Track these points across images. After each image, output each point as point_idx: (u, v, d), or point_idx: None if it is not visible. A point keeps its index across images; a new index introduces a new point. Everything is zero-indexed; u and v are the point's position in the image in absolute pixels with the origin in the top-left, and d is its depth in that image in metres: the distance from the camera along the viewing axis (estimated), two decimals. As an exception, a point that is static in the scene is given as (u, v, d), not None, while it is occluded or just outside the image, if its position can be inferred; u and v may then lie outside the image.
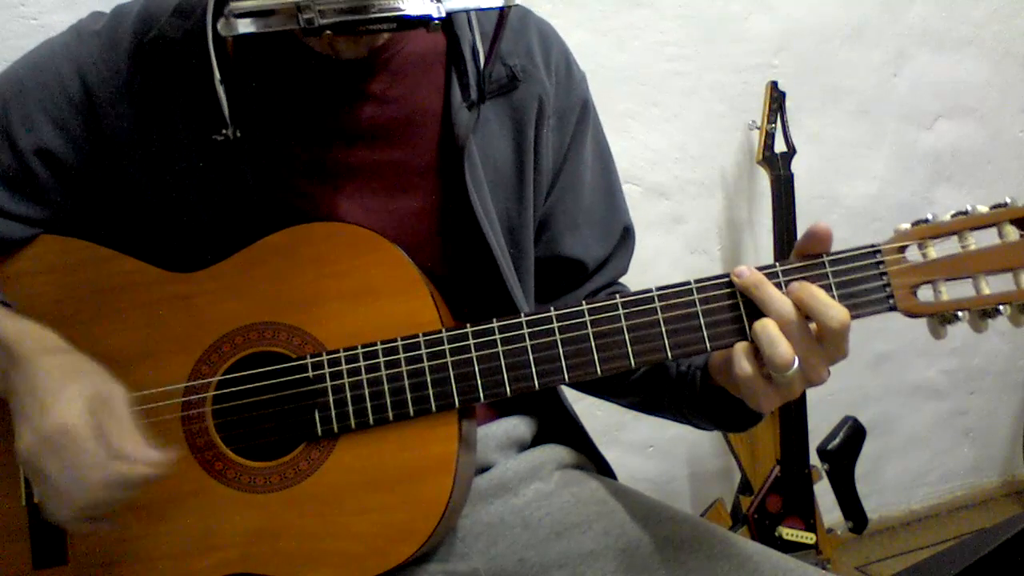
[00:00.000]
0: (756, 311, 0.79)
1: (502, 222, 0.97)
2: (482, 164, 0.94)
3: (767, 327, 0.77)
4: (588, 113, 1.04)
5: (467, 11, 0.92)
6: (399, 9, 0.74)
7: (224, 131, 0.87)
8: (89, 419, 0.76)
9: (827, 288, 0.79)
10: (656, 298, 0.82)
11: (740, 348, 0.80)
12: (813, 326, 0.78)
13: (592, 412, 1.12)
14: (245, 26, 0.74)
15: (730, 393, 0.87)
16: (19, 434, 0.77)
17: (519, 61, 0.96)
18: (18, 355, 0.80)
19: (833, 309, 0.76)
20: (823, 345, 0.78)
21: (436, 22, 0.75)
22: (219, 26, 0.75)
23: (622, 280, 1.10)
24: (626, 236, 1.08)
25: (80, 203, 0.94)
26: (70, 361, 0.82)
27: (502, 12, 0.85)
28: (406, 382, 0.84)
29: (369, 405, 0.84)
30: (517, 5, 0.81)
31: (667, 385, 0.95)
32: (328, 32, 0.74)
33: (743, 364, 0.79)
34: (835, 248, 0.81)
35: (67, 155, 0.91)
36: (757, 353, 0.79)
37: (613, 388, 1.04)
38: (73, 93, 0.91)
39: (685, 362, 0.93)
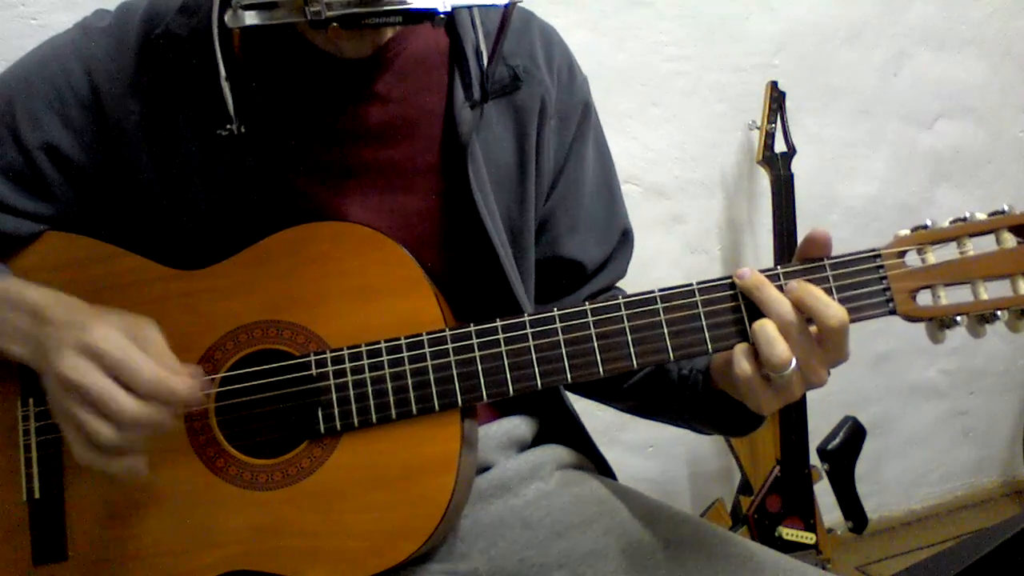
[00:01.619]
0: (758, 313, 0.79)
1: (504, 222, 0.97)
2: (485, 164, 0.94)
3: (765, 327, 0.78)
4: (589, 115, 1.04)
5: (471, 7, 0.92)
6: (405, 2, 0.74)
7: (228, 126, 0.87)
8: (130, 333, 0.78)
9: (827, 291, 0.79)
10: (658, 299, 0.82)
11: (739, 349, 0.80)
12: (813, 328, 0.78)
13: (592, 412, 1.12)
14: (251, 18, 0.74)
15: (731, 397, 0.88)
16: (58, 356, 0.77)
17: (522, 62, 0.96)
18: (50, 318, 0.81)
19: (832, 308, 0.77)
20: (823, 346, 0.79)
21: (441, 16, 0.75)
22: (226, 18, 0.75)
23: (620, 284, 1.10)
24: (625, 239, 1.08)
25: (86, 200, 0.94)
26: (102, 308, 0.82)
27: (505, 10, 0.85)
28: (409, 380, 0.84)
29: (372, 403, 0.85)
30: (520, 4, 0.82)
31: (668, 389, 0.95)
32: (334, 25, 0.74)
33: (742, 364, 0.79)
34: (835, 248, 0.82)
35: (73, 151, 0.92)
36: (756, 354, 0.79)
37: (613, 392, 1.04)
38: (79, 89, 0.91)
39: (686, 366, 0.93)
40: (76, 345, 0.77)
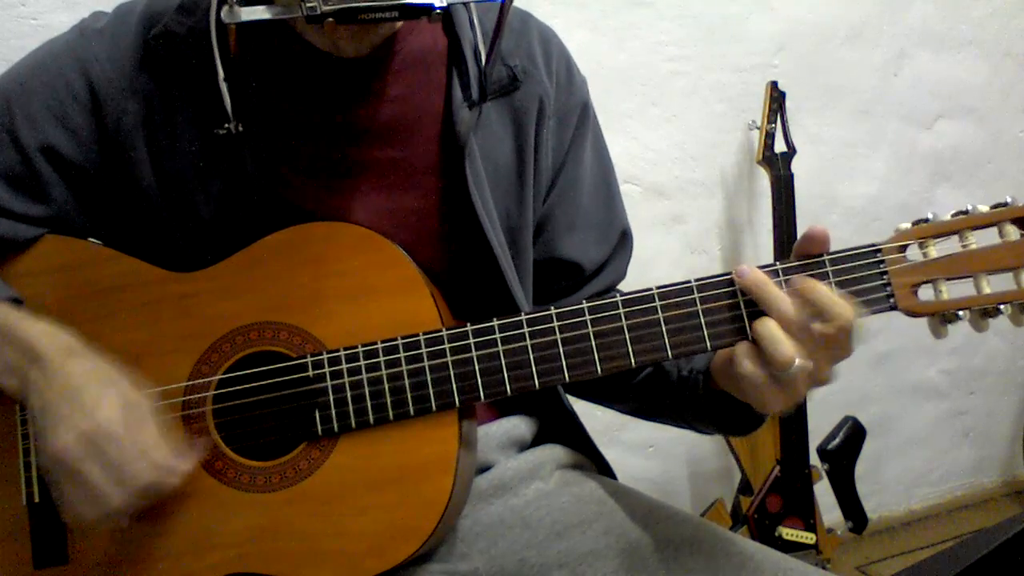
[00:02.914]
0: (757, 310, 0.79)
1: (502, 222, 0.97)
2: (483, 163, 0.94)
3: (768, 325, 0.77)
4: (588, 116, 1.04)
5: (467, 3, 0.92)
6: None
7: (226, 125, 0.87)
8: (128, 426, 0.80)
9: (828, 287, 0.79)
10: (656, 297, 0.82)
11: (741, 348, 0.80)
12: (816, 326, 0.77)
13: (592, 412, 1.12)
14: (248, 14, 0.74)
15: (732, 397, 0.87)
16: (56, 434, 0.78)
17: (520, 62, 0.96)
18: (42, 355, 0.81)
19: (839, 306, 0.76)
20: (828, 344, 0.78)
21: (438, 11, 0.75)
22: (222, 13, 0.75)
23: (620, 287, 1.10)
24: (624, 239, 1.08)
25: (84, 201, 0.94)
26: (98, 366, 0.83)
27: (502, 7, 0.85)
28: (406, 381, 0.84)
29: (369, 404, 0.84)
30: (516, 2, 0.81)
31: (668, 390, 0.95)
32: (330, 20, 0.74)
33: (745, 364, 0.79)
34: (834, 248, 0.81)
35: (71, 152, 0.91)
36: (759, 353, 0.79)
37: (612, 393, 1.04)
38: (77, 90, 0.91)
39: (686, 366, 0.93)
40: (76, 431, 0.78)
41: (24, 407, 0.84)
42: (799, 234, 0.86)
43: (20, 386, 0.82)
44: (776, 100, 2.04)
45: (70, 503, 0.80)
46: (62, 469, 0.78)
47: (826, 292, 0.77)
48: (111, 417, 0.79)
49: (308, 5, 0.73)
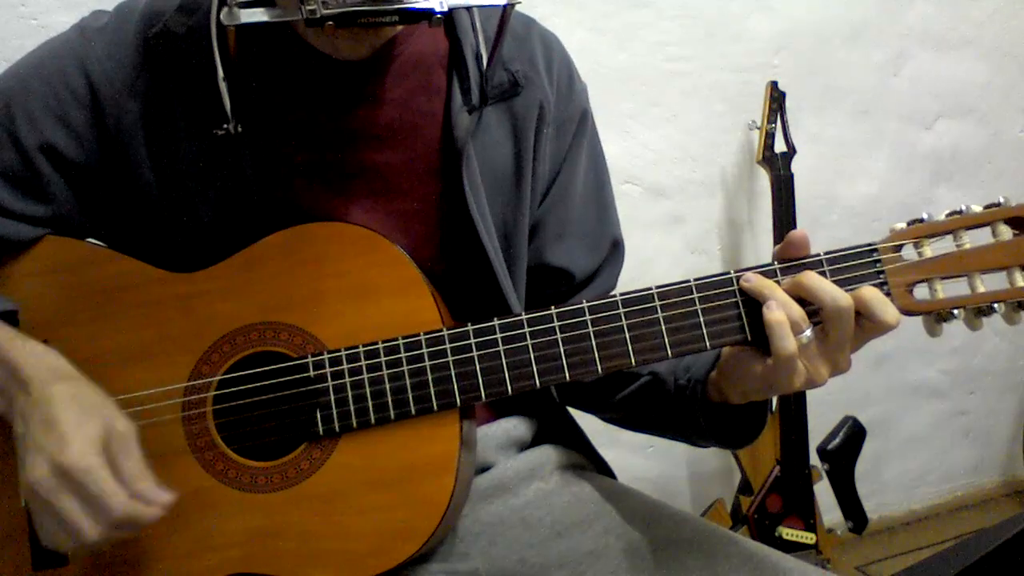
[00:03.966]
0: (756, 309, 0.80)
1: (498, 227, 0.97)
2: (481, 168, 0.94)
3: (777, 316, 0.78)
4: (586, 124, 1.04)
5: (469, 7, 0.92)
6: (401, 2, 0.74)
7: (225, 126, 0.87)
8: (105, 458, 0.77)
9: None
10: (656, 296, 0.82)
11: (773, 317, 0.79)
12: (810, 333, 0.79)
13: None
14: (247, 16, 0.74)
15: (730, 407, 0.89)
16: (31, 464, 0.77)
17: (521, 67, 0.96)
18: (27, 378, 0.80)
19: (843, 300, 0.77)
20: (827, 339, 0.79)
21: (438, 16, 0.75)
22: (222, 15, 0.75)
23: (619, 287, 1.10)
24: (615, 249, 1.07)
25: (85, 200, 0.94)
26: (83, 392, 0.81)
27: (504, 10, 0.85)
28: (407, 381, 0.84)
29: (370, 404, 0.84)
30: (519, 5, 0.81)
31: (665, 399, 0.95)
32: (330, 24, 0.74)
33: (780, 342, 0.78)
34: (833, 248, 0.82)
35: (71, 151, 0.91)
36: (760, 352, 0.80)
37: (608, 401, 1.04)
38: (77, 89, 0.91)
39: (684, 376, 0.93)
40: (51, 463, 0.76)
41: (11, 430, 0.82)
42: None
43: (6, 408, 0.82)
44: (776, 100, 2.04)
45: (45, 532, 0.79)
46: (36, 500, 0.77)
47: (825, 282, 0.78)
48: (85, 450, 0.76)
49: (308, 8, 0.73)
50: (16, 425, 0.80)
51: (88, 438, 0.77)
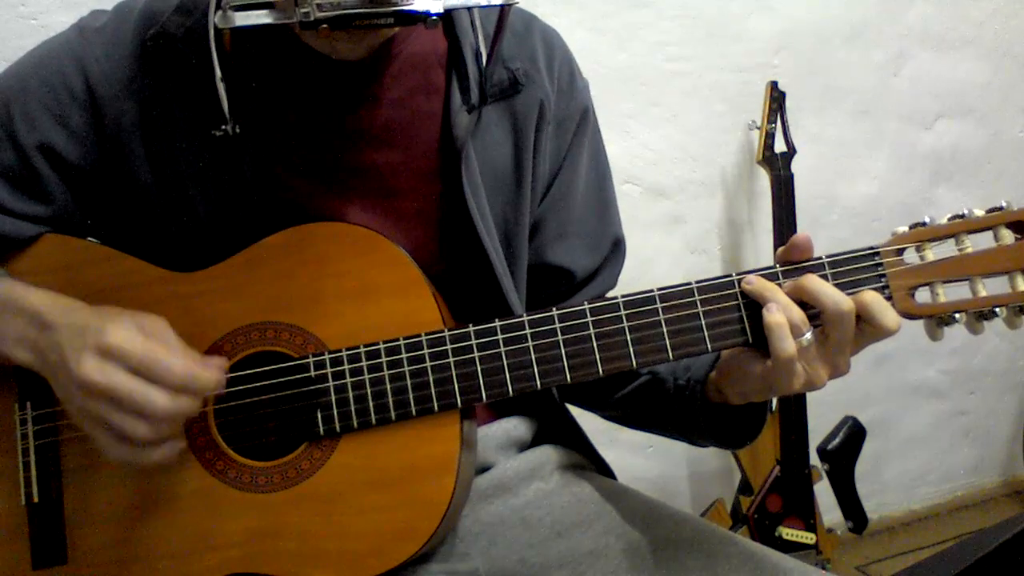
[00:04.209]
0: (757, 312, 0.80)
1: (498, 226, 0.97)
2: (480, 167, 0.94)
3: (777, 318, 0.78)
4: (588, 122, 1.03)
5: (466, 8, 0.92)
6: (397, 3, 0.74)
7: (223, 127, 0.87)
8: (147, 334, 0.78)
9: None
10: (657, 298, 0.82)
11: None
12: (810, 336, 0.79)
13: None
14: (242, 18, 0.74)
15: (730, 408, 0.89)
16: (76, 362, 0.77)
17: (522, 65, 0.96)
18: (50, 322, 0.81)
19: (845, 304, 0.78)
20: (827, 341, 0.79)
21: (435, 18, 0.74)
22: (216, 18, 0.75)
23: (619, 288, 1.10)
24: (617, 248, 1.07)
25: (83, 200, 0.94)
26: (103, 308, 0.82)
27: (502, 10, 0.85)
28: (408, 381, 0.84)
29: (371, 404, 0.84)
30: (517, 4, 0.81)
31: (665, 399, 0.95)
32: (325, 26, 0.74)
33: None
34: (834, 248, 0.82)
35: (70, 151, 0.91)
36: (760, 354, 0.80)
37: (607, 400, 1.04)
38: (75, 89, 0.91)
39: (683, 376, 0.93)
40: (96, 348, 0.77)
41: (45, 383, 0.82)
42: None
43: (33, 355, 0.82)
44: (776, 100, 2.04)
45: (108, 441, 0.79)
46: (93, 393, 0.77)
47: (826, 285, 0.79)
48: (126, 333, 0.77)
49: (302, 11, 0.73)
50: (49, 357, 0.80)
51: (123, 324, 0.78)
